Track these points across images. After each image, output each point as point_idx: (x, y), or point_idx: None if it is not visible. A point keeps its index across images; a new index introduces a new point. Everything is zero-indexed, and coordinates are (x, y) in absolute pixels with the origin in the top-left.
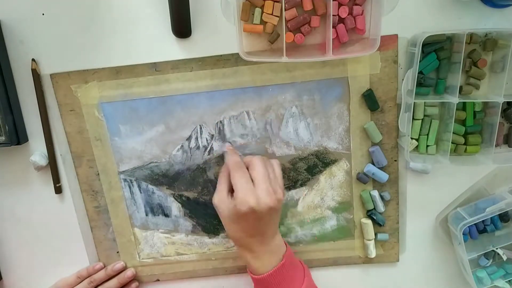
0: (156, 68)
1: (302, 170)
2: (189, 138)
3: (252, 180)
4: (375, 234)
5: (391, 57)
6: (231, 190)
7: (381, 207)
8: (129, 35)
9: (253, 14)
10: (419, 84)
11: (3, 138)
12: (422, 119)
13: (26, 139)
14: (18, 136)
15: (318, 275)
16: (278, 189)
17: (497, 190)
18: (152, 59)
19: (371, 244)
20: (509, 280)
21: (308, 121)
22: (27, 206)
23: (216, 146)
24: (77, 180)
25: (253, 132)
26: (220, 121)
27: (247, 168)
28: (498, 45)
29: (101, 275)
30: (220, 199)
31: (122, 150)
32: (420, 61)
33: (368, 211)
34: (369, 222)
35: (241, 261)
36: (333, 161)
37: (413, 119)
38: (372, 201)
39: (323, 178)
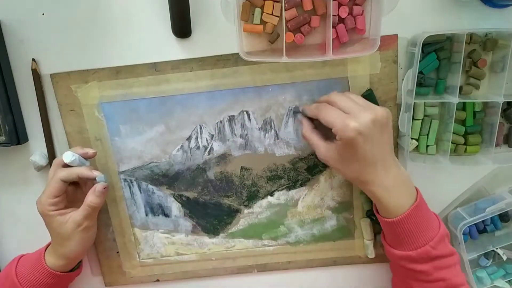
0: (156, 68)
1: (302, 170)
2: (189, 138)
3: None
4: (375, 234)
5: (391, 57)
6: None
7: None
8: (129, 35)
9: (253, 14)
10: (419, 84)
11: (3, 138)
12: (422, 119)
13: (26, 139)
14: (18, 136)
15: (318, 275)
16: (374, 106)
17: (497, 190)
18: (152, 59)
19: (371, 244)
20: (509, 280)
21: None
22: (27, 206)
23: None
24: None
25: (253, 132)
26: (220, 121)
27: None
28: (498, 45)
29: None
30: (325, 149)
31: (122, 150)
32: (420, 61)
33: (367, 211)
34: (368, 222)
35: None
36: None
37: (413, 119)
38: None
39: (323, 178)
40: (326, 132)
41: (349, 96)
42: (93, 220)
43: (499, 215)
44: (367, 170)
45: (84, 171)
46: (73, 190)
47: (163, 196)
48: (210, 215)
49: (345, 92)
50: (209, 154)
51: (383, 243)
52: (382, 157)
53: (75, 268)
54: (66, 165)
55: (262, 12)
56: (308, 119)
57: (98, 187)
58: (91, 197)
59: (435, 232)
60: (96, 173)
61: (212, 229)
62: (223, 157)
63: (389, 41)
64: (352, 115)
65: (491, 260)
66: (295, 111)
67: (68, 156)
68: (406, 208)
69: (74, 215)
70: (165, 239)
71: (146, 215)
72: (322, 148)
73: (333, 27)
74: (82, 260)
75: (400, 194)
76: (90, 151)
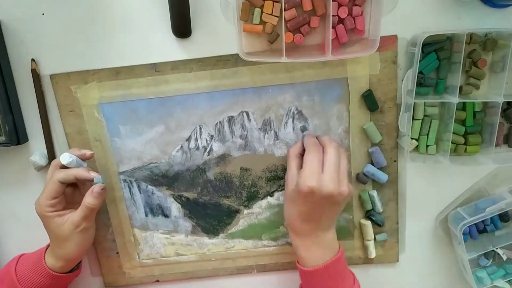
0: (155, 68)
1: None
2: (188, 139)
3: (322, 164)
4: (375, 235)
5: (391, 57)
6: (300, 168)
7: (379, 207)
8: (128, 35)
9: (252, 14)
10: (419, 84)
11: (3, 138)
12: (422, 119)
13: (26, 139)
14: (18, 136)
15: None
16: (344, 182)
17: (497, 190)
18: (151, 59)
19: (371, 245)
20: (509, 280)
21: (307, 122)
22: (27, 206)
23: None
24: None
25: (253, 132)
26: (220, 122)
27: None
28: (498, 45)
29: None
30: (291, 175)
31: (121, 151)
32: (420, 61)
33: (367, 211)
34: (368, 223)
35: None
36: None
37: (413, 119)
38: (371, 201)
39: None
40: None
41: (338, 155)
42: (91, 221)
43: (499, 215)
44: (300, 222)
45: (82, 172)
46: (71, 192)
47: (163, 196)
48: (210, 216)
49: (340, 149)
50: (208, 154)
51: None
52: (317, 220)
53: (74, 269)
54: (64, 167)
55: (262, 12)
56: (302, 145)
57: (96, 188)
58: (89, 198)
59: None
60: (93, 174)
61: (212, 230)
62: (223, 158)
63: (388, 41)
64: (322, 174)
65: (491, 260)
66: (302, 130)
67: (65, 158)
68: (321, 263)
69: (72, 217)
70: (164, 240)
71: (146, 215)
72: (290, 174)
73: (332, 27)
74: (81, 260)
75: (319, 253)
76: (88, 152)
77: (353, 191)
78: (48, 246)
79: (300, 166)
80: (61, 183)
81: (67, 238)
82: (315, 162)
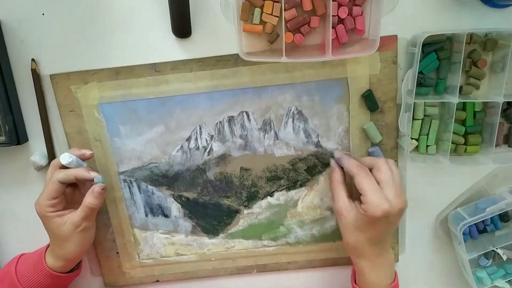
0: (155, 68)
1: (302, 171)
2: (188, 139)
3: (378, 183)
4: None
5: (391, 57)
6: (350, 196)
7: None
8: (128, 35)
9: (252, 14)
10: (419, 84)
11: (3, 138)
12: (422, 119)
13: (26, 139)
14: (18, 136)
15: (318, 276)
16: (403, 195)
17: (497, 190)
18: (151, 59)
19: None
20: (509, 280)
21: (307, 122)
22: (27, 206)
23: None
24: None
25: (253, 132)
26: (220, 122)
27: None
28: (498, 45)
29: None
30: (344, 205)
31: (121, 151)
32: (420, 61)
33: None
34: None
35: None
36: None
37: (413, 119)
38: None
39: (322, 178)
40: (351, 188)
41: (391, 169)
42: (92, 221)
43: (499, 215)
44: (369, 246)
45: (82, 172)
46: (71, 192)
47: (163, 196)
48: (210, 216)
49: (389, 161)
50: (208, 154)
51: None
52: (385, 240)
53: (75, 269)
54: (63, 167)
55: (262, 12)
56: (341, 168)
57: (96, 188)
58: (89, 198)
59: None
60: (93, 174)
61: (212, 230)
62: (223, 158)
63: (388, 41)
64: (386, 194)
65: (491, 260)
66: (331, 155)
67: (65, 158)
68: (388, 282)
69: (73, 216)
70: (164, 240)
71: (146, 215)
72: (343, 204)
73: (332, 27)
74: (81, 260)
75: (382, 274)
76: (88, 152)
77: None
78: (48, 246)
79: (349, 192)
80: (61, 183)
81: (67, 238)
82: (374, 184)
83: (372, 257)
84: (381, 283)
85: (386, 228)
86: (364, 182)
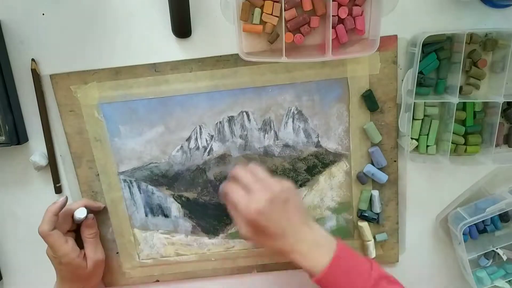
0: (155, 68)
1: (302, 171)
2: (188, 139)
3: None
4: (375, 235)
5: (391, 57)
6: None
7: (378, 208)
8: (128, 35)
9: (252, 14)
10: (419, 84)
11: (3, 138)
12: (422, 119)
13: (26, 139)
14: (18, 136)
15: None
16: (273, 182)
17: (497, 190)
18: (151, 59)
19: (371, 245)
20: (509, 280)
21: (307, 122)
22: (27, 206)
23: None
24: (77, 180)
25: (253, 132)
26: (220, 122)
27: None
28: (498, 45)
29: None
30: (243, 228)
31: (121, 151)
32: (420, 61)
33: (358, 210)
34: (364, 224)
35: (234, 264)
36: (333, 162)
37: (413, 119)
38: (371, 201)
39: (322, 178)
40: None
41: (251, 171)
42: (101, 249)
43: (499, 215)
44: (278, 242)
45: (53, 206)
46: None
47: (163, 196)
48: (210, 216)
49: (249, 166)
50: (208, 154)
51: None
52: (290, 228)
53: None
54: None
55: (262, 12)
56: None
57: (88, 222)
58: (86, 231)
59: (366, 278)
60: (62, 199)
61: (212, 230)
62: (223, 158)
63: (388, 41)
64: (252, 194)
65: (491, 260)
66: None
67: (81, 213)
68: (325, 264)
69: (88, 255)
70: (164, 240)
71: (146, 215)
72: (240, 226)
73: (332, 27)
74: None
75: (317, 255)
76: (102, 205)
77: (289, 182)
78: None
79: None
80: (53, 228)
81: (91, 274)
82: (238, 193)
83: (291, 248)
84: (319, 263)
85: (275, 220)
86: (232, 195)
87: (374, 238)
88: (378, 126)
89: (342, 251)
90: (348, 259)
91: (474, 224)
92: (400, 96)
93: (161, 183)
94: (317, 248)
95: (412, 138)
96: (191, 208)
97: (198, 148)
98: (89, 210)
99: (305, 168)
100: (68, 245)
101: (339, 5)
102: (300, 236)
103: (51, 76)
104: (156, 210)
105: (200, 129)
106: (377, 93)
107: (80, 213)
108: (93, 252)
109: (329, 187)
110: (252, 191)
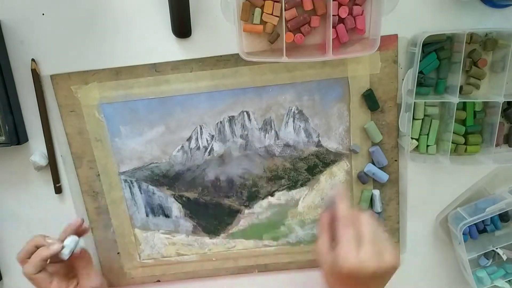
0: (156, 69)
1: (303, 170)
2: (189, 139)
3: (359, 238)
4: None
5: (391, 57)
6: (333, 238)
7: (379, 207)
8: (129, 35)
9: (253, 14)
10: (419, 84)
11: (3, 138)
12: (422, 119)
13: (26, 139)
14: (18, 136)
15: (319, 276)
16: (387, 253)
17: (497, 190)
18: (152, 59)
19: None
20: (509, 280)
21: (308, 122)
22: (27, 206)
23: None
24: (78, 180)
25: (253, 132)
26: (220, 122)
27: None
28: (498, 45)
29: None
30: (321, 249)
31: (122, 151)
32: (420, 61)
33: None
34: None
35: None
36: (334, 161)
37: (413, 119)
38: (371, 200)
39: (323, 178)
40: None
41: (373, 225)
42: (98, 273)
43: (499, 215)
44: None
45: (45, 252)
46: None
47: (164, 196)
48: (211, 216)
49: (373, 217)
50: (209, 154)
51: None
52: None
53: None
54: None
55: (262, 12)
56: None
57: (77, 253)
58: (77, 262)
59: None
60: (56, 247)
61: (213, 230)
62: (223, 158)
63: (389, 41)
64: (361, 250)
65: (491, 260)
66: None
67: (66, 251)
68: None
69: (82, 284)
70: (165, 240)
71: (147, 215)
72: (322, 247)
73: (333, 27)
74: None
75: None
76: (85, 225)
77: (399, 262)
78: None
79: (331, 235)
80: (42, 268)
81: None
82: (351, 236)
83: None
84: None
85: (358, 284)
86: (342, 232)
87: None
88: (378, 125)
89: None
90: None
91: (474, 224)
92: (400, 96)
93: (161, 183)
94: None
95: (412, 138)
96: (192, 208)
97: (198, 148)
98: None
99: (306, 168)
100: (53, 286)
101: (340, 5)
102: None
103: (51, 76)
104: (157, 210)
105: (201, 129)
106: (378, 93)
107: (66, 252)
108: (87, 281)
109: (330, 186)
110: (364, 248)
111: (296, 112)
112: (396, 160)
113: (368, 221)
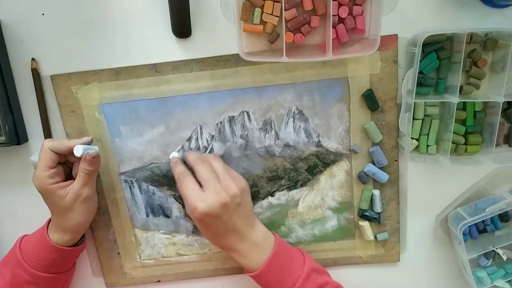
0: (156, 69)
1: (303, 171)
2: (189, 139)
3: (201, 184)
4: (376, 234)
5: (391, 57)
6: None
7: (379, 207)
8: (129, 36)
9: (253, 14)
10: (420, 84)
11: (3, 138)
12: (422, 119)
13: (26, 139)
14: (18, 136)
15: None
16: (231, 183)
17: (497, 190)
18: (152, 60)
19: (366, 226)
20: (509, 280)
21: (308, 122)
22: (27, 206)
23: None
24: None
25: (253, 132)
26: (220, 122)
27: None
28: (498, 45)
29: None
30: (187, 209)
31: (122, 151)
32: (420, 61)
33: (360, 210)
34: (366, 223)
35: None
36: (334, 161)
37: (414, 119)
38: (372, 200)
39: (323, 178)
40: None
41: (210, 166)
42: (92, 188)
43: (499, 215)
44: (225, 240)
45: (67, 142)
46: (70, 170)
47: (164, 197)
48: None
49: (208, 157)
50: None
51: None
52: (235, 228)
53: (79, 243)
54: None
55: (262, 12)
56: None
57: (87, 157)
58: (83, 164)
59: (299, 273)
60: (77, 145)
61: None
62: (224, 158)
63: (389, 41)
64: (204, 193)
65: (491, 260)
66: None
67: (78, 151)
68: (263, 262)
69: (73, 186)
70: (166, 240)
71: (147, 216)
72: (187, 207)
73: (333, 27)
74: (84, 235)
75: (256, 254)
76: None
77: (245, 183)
78: (48, 223)
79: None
80: (54, 152)
81: (70, 208)
82: (190, 187)
83: (234, 245)
84: (257, 262)
85: (221, 221)
86: (182, 188)
87: (375, 237)
88: (378, 125)
89: (279, 248)
90: (284, 255)
91: (474, 224)
92: (400, 96)
93: (162, 184)
94: (257, 249)
95: (412, 138)
96: None
97: (199, 148)
98: (95, 147)
99: (306, 168)
100: (48, 171)
101: (340, 5)
102: (242, 237)
103: (51, 76)
104: (157, 210)
105: (201, 129)
106: (378, 93)
107: (77, 151)
108: (79, 186)
109: (330, 186)
110: (206, 190)
111: (296, 112)
112: (396, 160)
113: (200, 167)
